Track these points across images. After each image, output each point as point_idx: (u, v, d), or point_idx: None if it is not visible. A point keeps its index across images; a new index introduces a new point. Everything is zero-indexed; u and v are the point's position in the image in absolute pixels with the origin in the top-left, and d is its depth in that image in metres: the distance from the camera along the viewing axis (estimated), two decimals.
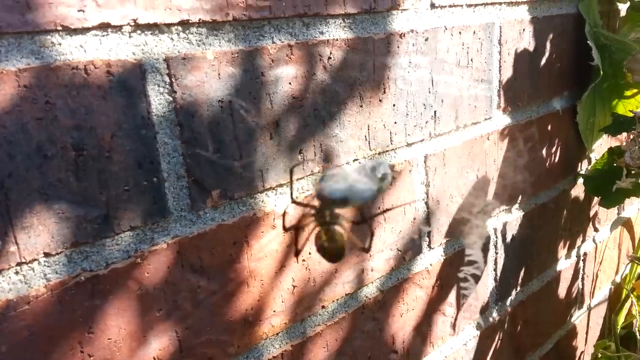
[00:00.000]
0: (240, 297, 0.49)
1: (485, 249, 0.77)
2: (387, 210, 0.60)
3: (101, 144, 0.39)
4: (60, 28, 0.36)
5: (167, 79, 0.41)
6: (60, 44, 0.36)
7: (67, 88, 0.37)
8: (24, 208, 0.36)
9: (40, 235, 0.37)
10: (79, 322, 0.40)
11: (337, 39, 0.52)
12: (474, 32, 0.66)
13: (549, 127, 0.84)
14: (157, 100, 0.41)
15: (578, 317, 1.06)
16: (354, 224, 0.50)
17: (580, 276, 1.03)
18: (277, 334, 0.53)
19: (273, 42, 0.47)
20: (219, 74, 0.44)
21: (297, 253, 0.49)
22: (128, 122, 0.40)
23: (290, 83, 0.49)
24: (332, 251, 0.47)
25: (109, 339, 0.41)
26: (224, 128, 0.45)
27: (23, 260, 0.37)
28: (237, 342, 0.50)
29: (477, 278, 0.77)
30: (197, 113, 0.43)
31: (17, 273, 0.36)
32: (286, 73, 0.48)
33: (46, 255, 0.38)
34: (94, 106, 0.38)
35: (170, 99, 0.42)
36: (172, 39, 0.41)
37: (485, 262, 0.78)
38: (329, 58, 0.51)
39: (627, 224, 1.13)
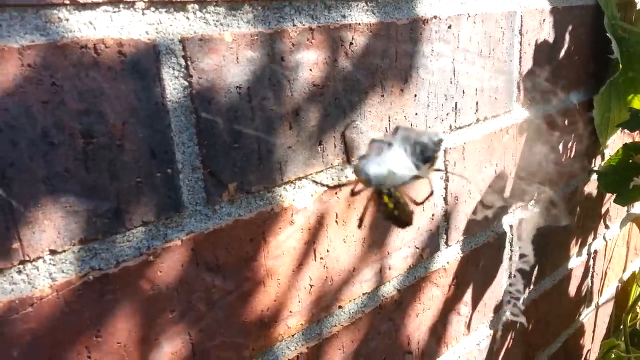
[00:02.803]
0: (256, 297, 0.46)
1: (500, 247, 0.75)
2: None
3: (112, 131, 0.35)
4: (67, 2, 0.32)
5: (182, 61, 0.38)
6: (67, 20, 0.33)
7: (75, 68, 0.33)
8: (27, 201, 0.33)
9: (45, 231, 0.34)
10: (86, 325, 0.36)
11: (359, 24, 0.48)
12: (496, 21, 0.63)
13: (566, 122, 0.81)
14: (172, 84, 0.38)
15: (586, 316, 1.04)
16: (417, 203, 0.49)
17: (590, 274, 1.01)
18: (293, 335, 0.50)
19: (294, 25, 0.44)
20: (238, 58, 0.41)
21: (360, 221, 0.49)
22: (141, 108, 0.36)
23: (311, 69, 0.46)
24: (404, 214, 0.45)
25: (118, 342, 0.38)
26: (242, 116, 0.42)
27: (27, 259, 0.33)
28: (252, 345, 0.47)
29: (491, 278, 0.74)
30: (213, 100, 0.40)
31: (20, 272, 0.33)
32: (307, 59, 0.45)
33: (52, 252, 0.34)
34: (104, 89, 0.35)
35: (186, 83, 0.38)
36: (188, 18, 0.38)
37: (500, 260, 0.75)
38: (351, 44, 0.48)
39: (637, 221, 1.11)
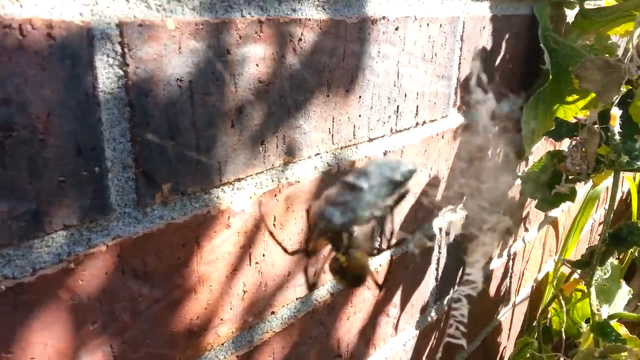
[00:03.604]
0: (186, 306, 0.43)
1: (429, 249, 0.75)
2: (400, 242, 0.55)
3: (35, 123, 0.31)
4: None
5: (119, 48, 0.34)
6: None
7: None
8: None
9: None
10: None
11: (309, 19, 0.46)
12: (441, 25, 0.62)
13: (497, 128, 0.83)
14: (106, 73, 0.34)
15: (504, 314, 1.08)
16: (372, 255, 0.44)
17: (509, 275, 1.05)
18: (223, 344, 0.48)
19: (242, 16, 0.41)
20: (180, 48, 0.37)
21: (310, 287, 0.44)
22: (69, 99, 0.32)
23: (257, 65, 0.43)
24: (355, 272, 0.41)
25: (32, 358, 0.34)
26: (181, 112, 0.38)
27: None
28: (179, 356, 0.44)
29: (420, 280, 0.75)
30: (151, 92, 0.36)
31: None
32: (254, 53, 0.42)
33: None
34: (29, 76, 0.30)
35: (121, 73, 0.34)
36: (127, 0, 0.34)
37: (429, 262, 0.76)
38: (300, 40, 0.46)
39: (554, 224, 1.16)
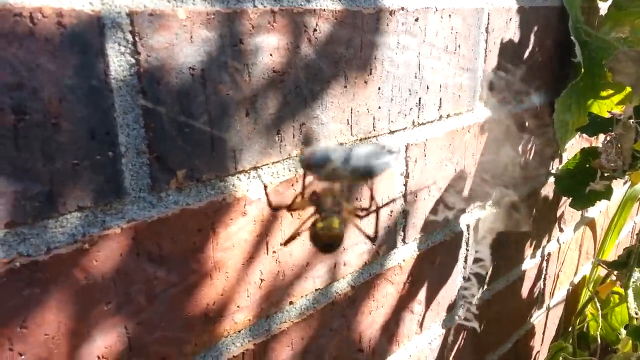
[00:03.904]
0: (202, 291, 0.44)
1: (457, 246, 0.74)
2: (392, 201, 0.55)
3: (47, 108, 0.32)
4: None
5: (130, 37, 0.35)
6: None
7: (7, 38, 0.30)
8: None
9: None
10: (10, 315, 0.34)
11: (324, 10, 0.46)
12: (464, 17, 0.62)
13: (527, 123, 0.81)
14: (117, 61, 0.35)
15: (537, 317, 1.05)
16: (359, 217, 0.44)
17: (542, 276, 1.02)
18: (240, 331, 0.48)
19: (254, 6, 0.41)
20: (192, 37, 0.38)
21: (285, 242, 0.45)
22: (81, 85, 0.33)
23: (271, 55, 0.43)
24: (326, 239, 0.41)
25: (46, 334, 0.35)
26: (195, 99, 0.39)
27: None
28: (195, 340, 0.45)
29: (446, 277, 0.74)
30: (163, 80, 0.37)
31: None
32: (267, 43, 0.43)
33: None
34: (40, 63, 0.32)
35: (133, 61, 0.36)
36: None
37: (456, 259, 0.75)
38: (315, 30, 0.46)
39: (591, 225, 1.13)
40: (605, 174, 0.81)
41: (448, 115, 0.64)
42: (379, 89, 0.54)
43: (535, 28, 0.76)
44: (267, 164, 0.46)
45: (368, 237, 0.46)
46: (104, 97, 0.35)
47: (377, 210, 0.45)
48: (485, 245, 0.78)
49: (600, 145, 0.80)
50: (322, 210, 0.41)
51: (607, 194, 0.82)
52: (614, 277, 0.90)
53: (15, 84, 0.31)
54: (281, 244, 0.46)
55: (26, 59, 0.31)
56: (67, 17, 0.32)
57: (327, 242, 0.42)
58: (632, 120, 0.76)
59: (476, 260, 0.78)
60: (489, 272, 0.84)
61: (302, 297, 0.53)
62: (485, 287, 0.84)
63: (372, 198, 0.52)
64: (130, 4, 0.35)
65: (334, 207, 0.41)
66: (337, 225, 0.40)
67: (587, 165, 0.85)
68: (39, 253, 0.34)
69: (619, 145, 0.76)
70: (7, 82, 0.31)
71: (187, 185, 0.41)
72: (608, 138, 0.79)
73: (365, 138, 0.54)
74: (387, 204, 0.53)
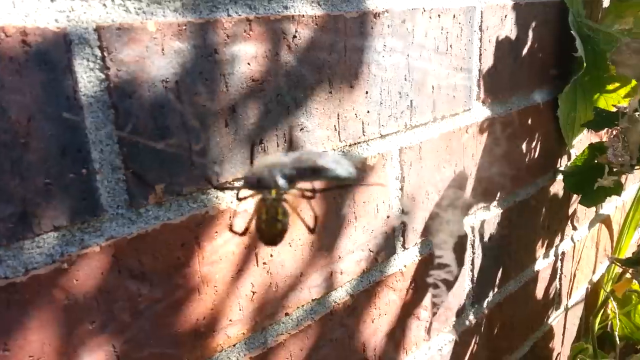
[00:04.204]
0: (190, 306, 0.43)
1: (461, 249, 0.73)
2: (340, 186, 0.53)
3: (15, 128, 0.32)
4: None
5: (98, 52, 0.35)
6: None
7: None
8: None
9: None
10: None
11: (303, 15, 0.46)
12: (454, 16, 0.61)
13: (529, 121, 0.79)
14: (86, 77, 0.35)
15: (555, 318, 1.03)
16: (306, 197, 0.43)
17: (558, 276, 1.00)
18: (234, 345, 0.47)
19: (228, 15, 0.41)
20: (163, 49, 0.38)
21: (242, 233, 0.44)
22: (49, 103, 0.33)
23: (249, 63, 0.43)
24: (269, 231, 0.40)
25: (30, 356, 0.35)
26: (170, 112, 0.39)
27: None
28: (186, 356, 0.44)
29: (452, 281, 0.72)
30: (135, 94, 0.37)
31: None
32: (244, 52, 0.42)
33: None
34: (5, 82, 0.31)
35: (102, 76, 0.35)
36: (105, 5, 0.35)
37: (462, 263, 0.73)
38: (294, 37, 0.45)
39: (606, 222, 1.10)
40: (614, 169, 0.79)
41: (443, 117, 0.63)
42: (367, 93, 0.53)
43: (533, 24, 0.74)
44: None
45: (308, 228, 0.46)
46: (73, 114, 0.34)
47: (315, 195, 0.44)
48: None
49: (606, 140, 0.78)
50: (267, 201, 0.40)
51: (616, 189, 0.80)
52: (628, 275, 0.88)
53: None
54: (240, 235, 0.44)
55: None
56: (32, 35, 0.32)
57: (269, 235, 0.40)
58: (638, 113, 0.74)
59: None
60: (499, 275, 0.82)
61: (298, 308, 0.52)
62: (496, 289, 0.82)
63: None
64: (97, 19, 0.35)
65: (277, 196, 0.39)
66: (280, 216, 0.39)
67: (595, 161, 0.82)
68: (16, 274, 0.34)
69: (625, 139, 0.74)
70: None
71: (167, 200, 0.40)
72: (614, 132, 0.76)
73: (355, 143, 0.53)
74: (325, 189, 0.51)
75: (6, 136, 0.32)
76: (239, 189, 0.42)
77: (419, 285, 0.66)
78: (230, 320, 0.47)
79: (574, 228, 1.00)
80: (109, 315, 0.39)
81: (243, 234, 0.43)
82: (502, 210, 0.78)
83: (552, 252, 0.96)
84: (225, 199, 0.44)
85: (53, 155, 0.34)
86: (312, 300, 0.54)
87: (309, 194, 0.42)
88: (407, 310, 0.66)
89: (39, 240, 0.34)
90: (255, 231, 0.40)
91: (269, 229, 0.39)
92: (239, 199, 0.43)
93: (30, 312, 0.35)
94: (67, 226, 0.35)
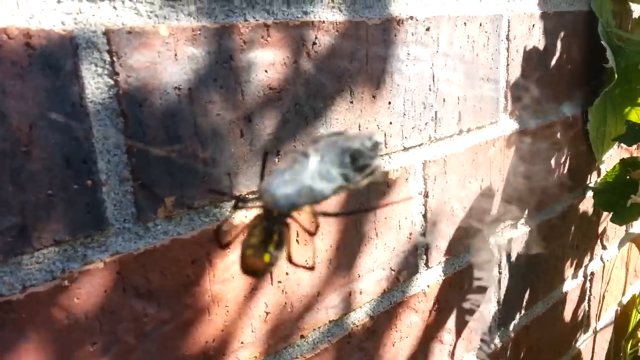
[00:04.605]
0: (199, 327, 0.41)
1: (488, 269, 0.69)
2: (350, 213, 0.49)
3: (16, 135, 0.30)
4: None
5: (107, 57, 0.33)
6: None
7: None
8: None
9: None
10: None
11: (323, 22, 0.44)
12: (481, 24, 0.58)
13: (558, 135, 0.76)
14: (94, 83, 0.33)
15: (583, 342, 0.98)
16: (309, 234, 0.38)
17: (586, 297, 0.95)
18: None
19: (245, 20, 0.39)
20: (176, 55, 0.36)
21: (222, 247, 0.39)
22: (53, 110, 0.31)
23: (266, 71, 0.41)
24: (252, 261, 0.34)
25: None
26: (182, 121, 0.37)
27: None
28: None
29: (477, 302, 0.69)
30: (146, 101, 0.35)
31: None
32: (261, 59, 0.40)
33: None
34: (7, 87, 0.30)
35: (111, 82, 0.33)
36: (114, 7, 0.33)
37: (488, 283, 0.70)
38: (314, 44, 0.43)
39: (637, 241, 1.05)
40: None
41: (469, 129, 0.60)
42: (389, 103, 0.50)
43: (562, 34, 0.71)
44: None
45: (305, 267, 0.41)
46: (80, 122, 0.32)
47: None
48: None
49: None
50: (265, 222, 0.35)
51: None
52: None
53: None
54: (220, 247, 0.40)
55: None
56: (36, 38, 0.30)
57: (248, 269, 0.35)
58: None
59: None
60: (526, 296, 0.78)
61: (314, 329, 0.49)
62: (523, 311, 0.78)
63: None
64: (107, 22, 0.33)
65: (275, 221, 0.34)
66: (272, 248, 0.34)
67: (628, 177, 0.78)
68: (13, 292, 0.32)
69: None
70: None
71: (178, 214, 0.38)
72: None
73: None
74: (335, 214, 0.46)
75: (6, 144, 0.30)
76: (241, 200, 0.38)
77: (442, 307, 0.63)
78: (241, 343, 0.44)
79: (604, 247, 0.96)
80: (112, 337, 0.36)
81: (224, 246, 0.39)
82: (529, 229, 0.75)
83: (580, 272, 0.91)
84: (239, 214, 0.42)
85: (56, 165, 0.32)
86: (330, 321, 0.51)
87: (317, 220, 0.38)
88: (430, 333, 0.63)
89: (38, 255, 0.32)
90: (239, 255, 0.35)
91: (253, 258, 0.34)
92: (236, 208, 0.38)
93: (27, 333, 0.32)
94: (69, 240, 0.33)
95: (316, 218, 0.38)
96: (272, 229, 0.34)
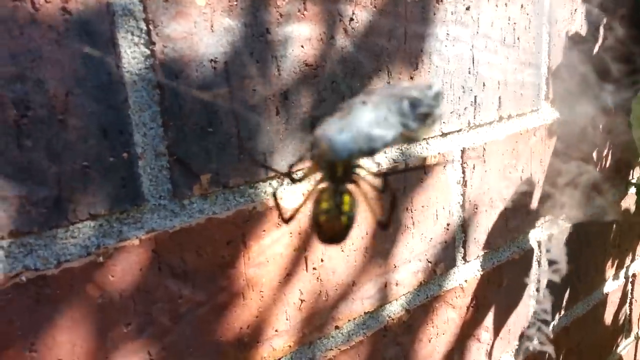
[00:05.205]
0: (234, 312, 0.39)
1: (527, 265, 0.66)
2: (411, 168, 0.47)
3: (52, 102, 0.29)
4: None
5: (143, 25, 0.32)
6: None
7: (6, 25, 0.28)
8: None
9: None
10: (17, 336, 0.30)
11: None
12: (522, 6, 0.56)
13: (601, 127, 0.73)
14: (130, 52, 0.32)
15: (625, 347, 0.94)
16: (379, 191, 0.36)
17: (628, 300, 0.91)
18: (280, 359, 0.43)
19: None
20: (212, 26, 0.35)
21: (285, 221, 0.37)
22: (90, 78, 0.30)
23: (302, 46, 0.39)
24: (330, 226, 0.33)
25: (58, 359, 0.32)
26: (218, 96, 0.36)
27: None
28: None
29: (516, 300, 0.66)
30: (182, 73, 0.34)
31: None
32: (298, 33, 0.39)
33: None
34: (43, 52, 0.29)
35: (148, 52, 0.32)
36: None
37: (527, 281, 0.67)
38: (351, 19, 0.42)
39: None
40: None
41: (509, 116, 0.58)
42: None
43: (605, 20, 0.69)
44: (302, 169, 0.42)
45: (379, 223, 0.39)
46: (116, 92, 0.31)
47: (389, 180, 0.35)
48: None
49: None
50: (331, 183, 0.33)
51: None
52: None
53: (17, 75, 0.28)
54: (284, 221, 0.38)
55: (28, 48, 0.28)
56: (73, 3, 0.29)
57: (329, 231, 0.33)
58: None
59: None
60: (566, 296, 0.75)
61: (349, 321, 0.47)
62: (563, 312, 0.75)
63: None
64: None
65: (345, 177, 0.32)
66: (346, 207, 0.32)
67: None
68: (47, 267, 0.31)
69: None
70: (7, 74, 0.28)
71: (213, 192, 0.37)
72: None
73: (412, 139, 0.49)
74: (400, 171, 0.43)
75: (42, 111, 0.29)
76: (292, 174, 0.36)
77: (480, 303, 0.61)
78: (276, 331, 0.42)
79: None
80: (147, 318, 0.35)
81: (287, 220, 0.37)
82: (570, 224, 0.72)
83: (622, 273, 0.87)
84: (283, 190, 0.40)
85: (92, 135, 0.31)
86: (365, 313, 0.49)
87: (376, 180, 0.36)
88: (467, 330, 0.60)
89: (73, 230, 0.31)
90: (311, 226, 0.34)
91: (330, 223, 0.32)
92: (293, 180, 0.37)
93: (60, 310, 0.31)
94: (104, 215, 0.32)
95: (380, 178, 0.36)
96: (340, 190, 0.32)
